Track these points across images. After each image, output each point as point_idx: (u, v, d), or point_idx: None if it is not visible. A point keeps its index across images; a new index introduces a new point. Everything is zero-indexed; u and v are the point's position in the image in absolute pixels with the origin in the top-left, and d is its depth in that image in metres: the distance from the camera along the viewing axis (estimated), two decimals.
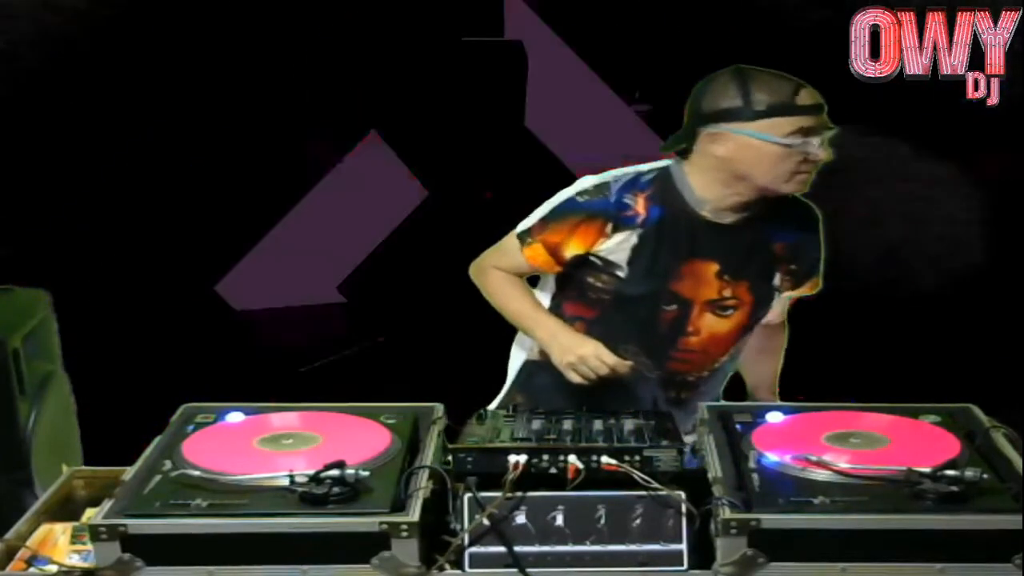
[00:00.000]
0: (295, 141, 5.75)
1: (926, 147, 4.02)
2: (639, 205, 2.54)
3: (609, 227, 2.54)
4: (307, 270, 6.06)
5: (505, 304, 2.66)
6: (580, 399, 2.42)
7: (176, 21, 3.93)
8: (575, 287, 2.64)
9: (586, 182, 2.58)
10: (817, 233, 2.68)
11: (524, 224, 2.63)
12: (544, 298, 2.72)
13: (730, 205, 2.54)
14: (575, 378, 2.49)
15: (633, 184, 2.55)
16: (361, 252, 6.16)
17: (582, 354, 2.48)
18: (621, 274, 2.56)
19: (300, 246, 5.94)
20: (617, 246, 2.55)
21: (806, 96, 2.45)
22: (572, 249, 2.57)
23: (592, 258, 2.58)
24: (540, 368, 2.70)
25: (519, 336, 2.77)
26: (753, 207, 2.55)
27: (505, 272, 2.67)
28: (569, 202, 2.57)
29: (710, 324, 2.59)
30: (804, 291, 2.73)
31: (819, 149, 2.44)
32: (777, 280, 2.63)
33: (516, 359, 2.79)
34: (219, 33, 4.08)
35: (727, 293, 2.58)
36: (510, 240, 2.65)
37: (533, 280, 2.77)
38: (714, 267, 2.56)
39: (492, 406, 2.66)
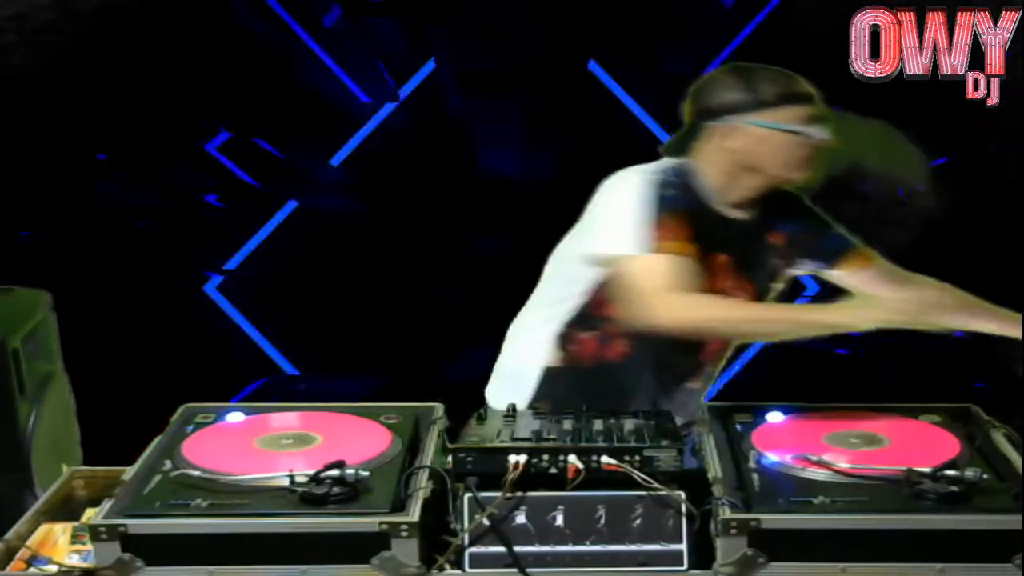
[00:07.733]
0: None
1: (925, 146, 4.02)
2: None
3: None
4: None
5: (746, 317, 2.51)
6: (600, 399, 2.35)
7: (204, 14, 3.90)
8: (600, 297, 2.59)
9: (646, 175, 2.54)
10: (804, 210, 2.69)
11: (625, 239, 2.48)
12: (550, 307, 2.68)
13: (737, 199, 2.60)
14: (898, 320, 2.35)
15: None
16: None
17: (891, 307, 2.35)
18: None
19: None
20: None
21: (803, 85, 2.55)
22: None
23: None
24: (561, 374, 2.67)
25: (532, 343, 2.71)
26: (756, 202, 2.61)
27: (680, 291, 2.46)
28: (656, 200, 2.50)
29: None
30: (855, 266, 2.68)
31: (823, 134, 2.52)
32: (771, 266, 2.66)
33: (529, 368, 2.71)
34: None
35: (736, 285, 2.62)
36: (640, 261, 2.47)
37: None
38: (728, 259, 2.61)
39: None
